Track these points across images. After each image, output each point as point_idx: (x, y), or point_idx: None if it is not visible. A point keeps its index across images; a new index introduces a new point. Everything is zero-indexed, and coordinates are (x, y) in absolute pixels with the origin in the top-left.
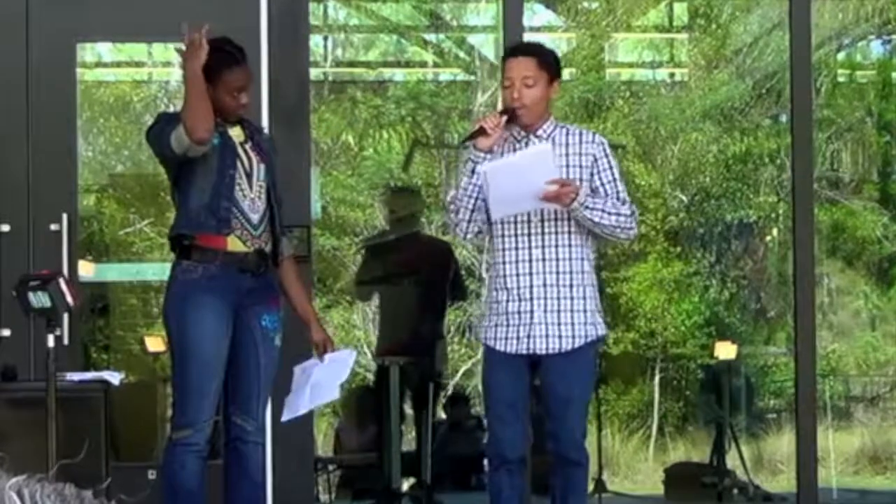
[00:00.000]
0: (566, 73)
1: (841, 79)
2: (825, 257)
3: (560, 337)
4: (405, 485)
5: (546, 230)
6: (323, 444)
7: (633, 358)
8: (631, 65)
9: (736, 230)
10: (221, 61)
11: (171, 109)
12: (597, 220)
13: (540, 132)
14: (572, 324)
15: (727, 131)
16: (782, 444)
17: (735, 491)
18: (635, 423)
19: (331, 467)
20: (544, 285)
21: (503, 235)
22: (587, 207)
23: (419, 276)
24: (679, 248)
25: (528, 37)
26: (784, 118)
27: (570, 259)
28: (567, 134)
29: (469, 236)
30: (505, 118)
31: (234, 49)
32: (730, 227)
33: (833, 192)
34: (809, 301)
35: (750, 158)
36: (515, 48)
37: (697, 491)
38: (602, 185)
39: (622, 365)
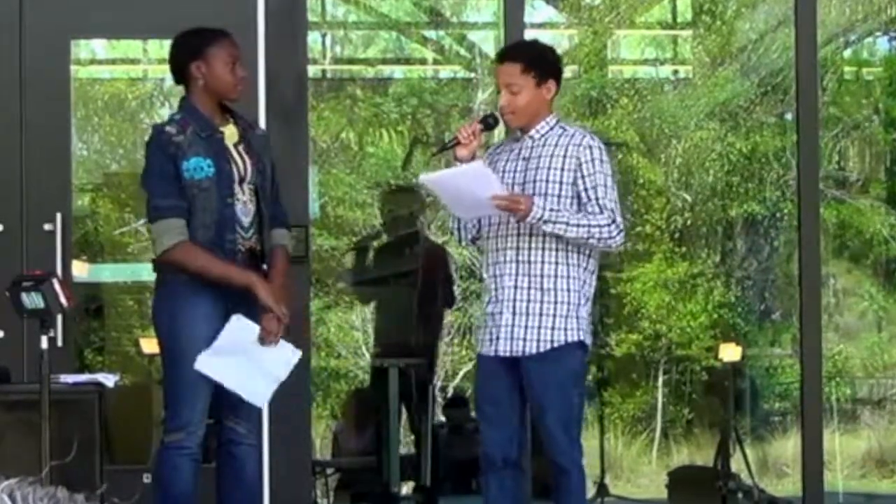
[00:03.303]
0: (568, 71)
1: (847, 76)
2: (831, 258)
3: (525, 340)
4: (405, 488)
5: (521, 232)
6: (321, 447)
7: (636, 360)
8: (634, 62)
9: (741, 230)
10: (207, 36)
11: (164, 123)
12: (560, 232)
13: (533, 132)
14: (539, 327)
15: (732, 129)
16: (788, 447)
17: (740, 495)
18: (639, 425)
19: (329, 471)
20: (515, 287)
21: (489, 237)
22: (546, 221)
23: (410, 278)
24: (684, 249)
25: (528, 34)
26: (790, 116)
27: (544, 262)
28: (561, 135)
29: (464, 242)
30: (481, 127)
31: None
32: (734, 227)
33: (839, 191)
34: (815, 302)
35: (755, 157)
36: (502, 52)
37: (701, 495)
38: (585, 190)
39: (626, 367)
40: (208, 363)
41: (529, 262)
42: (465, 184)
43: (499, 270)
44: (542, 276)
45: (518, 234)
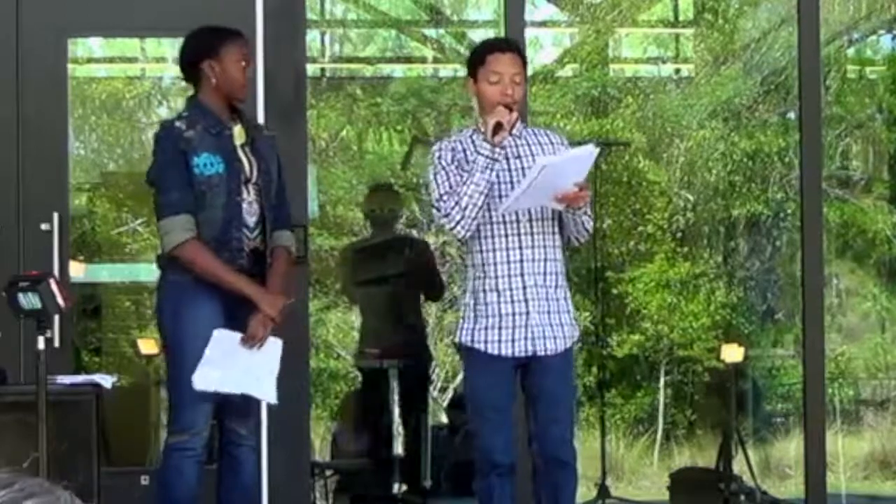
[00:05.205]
0: (569, 70)
1: (851, 75)
2: (834, 258)
3: (555, 338)
4: (403, 490)
5: (535, 230)
6: (320, 449)
7: (638, 361)
8: (636, 60)
9: (743, 229)
10: (223, 35)
11: (173, 119)
12: (587, 224)
13: (514, 130)
14: (561, 324)
15: (735, 128)
16: (790, 448)
17: (742, 497)
18: (640, 427)
19: (328, 472)
20: (536, 286)
21: (491, 236)
22: (585, 212)
23: (402, 278)
24: (686, 249)
25: (529, 32)
26: (793, 115)
27: (556, 260)
28: (533, 134)
29: (469, 234)
30: (516, 114)
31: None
32: (737, 227)
33: (842, 190)
34: (818, 302)
35: (758, 156)
36: (506, 44)
37: (703, 496)
38: None
39: (627, 368)
40: (205, 379)
41: (545, 259)
42: (571, 167)
43: (514, 270)
44: (556, 273)
45: (532, 233)
